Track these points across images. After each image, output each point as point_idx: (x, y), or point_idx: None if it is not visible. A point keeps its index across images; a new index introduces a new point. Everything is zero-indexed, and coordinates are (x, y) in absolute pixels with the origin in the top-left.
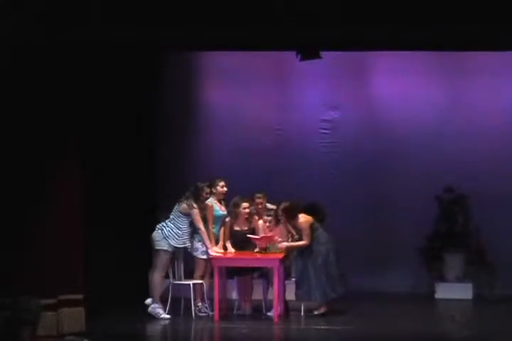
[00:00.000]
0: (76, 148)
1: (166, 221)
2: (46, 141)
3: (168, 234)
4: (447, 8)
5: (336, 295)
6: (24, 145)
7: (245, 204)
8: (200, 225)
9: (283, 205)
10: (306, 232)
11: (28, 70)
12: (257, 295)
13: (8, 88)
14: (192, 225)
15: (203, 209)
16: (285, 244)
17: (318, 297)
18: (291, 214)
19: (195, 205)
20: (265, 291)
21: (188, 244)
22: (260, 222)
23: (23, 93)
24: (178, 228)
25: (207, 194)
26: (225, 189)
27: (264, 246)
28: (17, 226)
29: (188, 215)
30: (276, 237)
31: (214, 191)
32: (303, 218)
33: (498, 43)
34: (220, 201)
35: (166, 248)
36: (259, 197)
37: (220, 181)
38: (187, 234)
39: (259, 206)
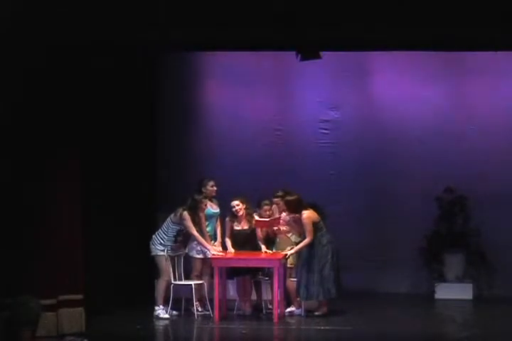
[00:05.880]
0: (76, 149)
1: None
2: (46, 141)
3: (155, 238)
4: (447, 9)
5: (331, 296)
6: (24, 146)
7: (236, 202)
8: (193, 231)
9: (288, 197)
10: (307, 228)
11: (28, 72)
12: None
13: (9, 89)
14: (182, 234)
15: (197, 223)
16: (291, 251)
17: (316, 295)
18: (293, 208)
19: (185, 215)
20: (263, 291)
21: (169, 252)
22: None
23: (23, 94)
24: (164, 233)
25: (205, 205)
26: (214, 188)
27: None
28: (17, 226)
29: (178, 224)
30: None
31: (204, 191)
32: (306, 214)
33: (498, 43)
34: (211, 200)
35: (154, 253)
36: (266, 204)
37: (209, 181)
38: (170, 242)
39: (267, 213)
